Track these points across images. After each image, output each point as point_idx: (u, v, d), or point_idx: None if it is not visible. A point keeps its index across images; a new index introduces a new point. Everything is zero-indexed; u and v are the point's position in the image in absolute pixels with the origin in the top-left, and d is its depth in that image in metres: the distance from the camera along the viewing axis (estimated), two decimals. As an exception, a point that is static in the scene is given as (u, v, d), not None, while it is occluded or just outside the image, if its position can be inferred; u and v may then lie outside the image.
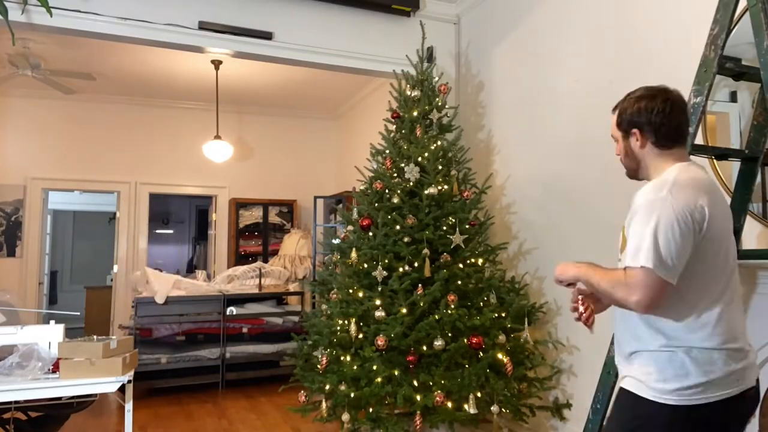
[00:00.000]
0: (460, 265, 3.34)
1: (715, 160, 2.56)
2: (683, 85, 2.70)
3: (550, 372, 3.45)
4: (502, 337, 3.22)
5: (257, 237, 7.36)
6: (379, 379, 3.04)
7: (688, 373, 1.48)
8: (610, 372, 2.23)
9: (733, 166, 2.51)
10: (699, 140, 2.34)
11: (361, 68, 4.44)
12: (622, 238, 1.63)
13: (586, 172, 3.39)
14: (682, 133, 1.66)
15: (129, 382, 2.68)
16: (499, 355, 3.16)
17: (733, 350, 1.51)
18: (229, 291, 5.58)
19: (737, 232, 2.31)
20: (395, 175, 3.55)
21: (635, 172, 1.73)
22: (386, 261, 3.26)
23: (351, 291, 3.33)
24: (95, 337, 2.82)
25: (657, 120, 1.61)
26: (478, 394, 3.08)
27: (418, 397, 3.00)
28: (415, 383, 3.06)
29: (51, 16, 3.40)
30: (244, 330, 5.47)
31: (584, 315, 1.68)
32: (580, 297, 1.70)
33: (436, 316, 3.13)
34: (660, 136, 1.62)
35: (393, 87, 3.83)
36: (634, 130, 1.65)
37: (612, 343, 2.24)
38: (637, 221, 1.51)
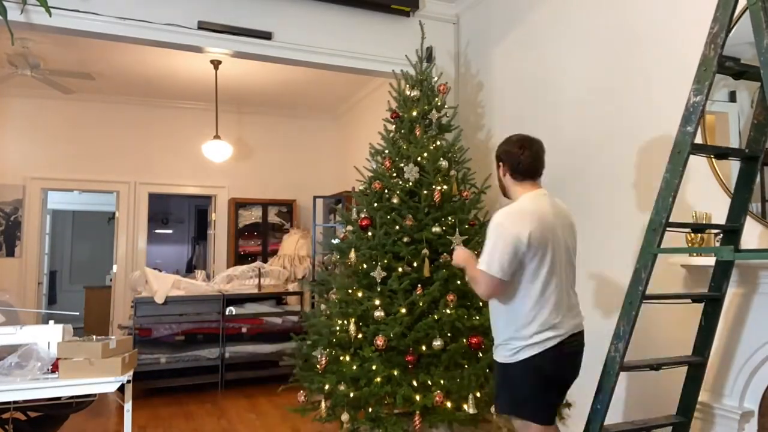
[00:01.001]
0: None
1: (713, 160, 2.56)
2: (682, 83, 2.71)
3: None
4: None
5: (256, 237, 7.35)
6: (378, 379, 3.04)
7: None
8: (610, 372, 2.23)
9: (732, 166, 2.51)
10: (698, 140, 2.33)
11: (360, 68, 4.44)
12: None
13: (585, 171, 3.39)
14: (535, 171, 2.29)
15: (128, 382, 2.68)
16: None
17: None
18: (228, 291, 5.58)
19: (737, 231, 2.30)
20: (395, 175, 3.55)
21: (504, 192, 2.41)
22: (385, 261, 3.25)
23: (350, 291, 3.32)
24: (94, 337, 2.82)
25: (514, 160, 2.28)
26: (478, 394, 3.08)
27: (418, 397, 3.00)
28: (415, 383, 3.06)
29: (50, 16, 3.39)
30: (244, 330, 5.47)
31: None
32: None
33: (436, 316, 3.13)
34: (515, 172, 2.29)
35: (392, 87, 3.83)
36: (500, 163, 2.35)
37: (612, 342, 2.24)
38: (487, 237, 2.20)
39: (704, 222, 2.48)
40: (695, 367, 2.37)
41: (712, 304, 2.36)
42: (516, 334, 2.17)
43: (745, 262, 2.34)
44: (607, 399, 2.22)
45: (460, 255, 2.40)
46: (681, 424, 2.38)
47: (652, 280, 2.24)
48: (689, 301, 2.36)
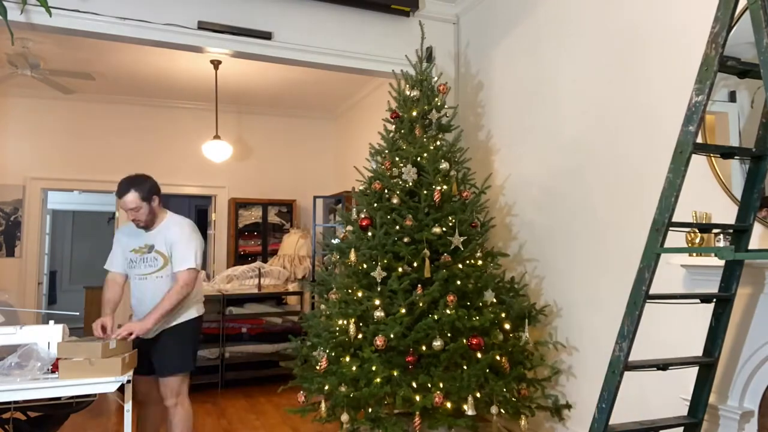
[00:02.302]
0: (460, 266, 3.33)
1: (714, 160, 2.56)
2: (681, 83, 2.71)
3: (549, 373, 3.45)
4: (501, 338, 3.22)
5: (256, 237, 7.35)
6: (378, 380, 3.04)
7: None
8: (615, 371, 2.22)
9: (733, 166, 2.51)
10: (699, 140, 2.33)
11: (360, 68, 4.44)
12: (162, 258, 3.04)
13: (585, 172, 3.39)
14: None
15: (128, 382, 2.67)
16: (497, 357, 3.15)
17: None
18: (228, 291, 5.58)
19: (745, 230, 2.28)
20: (395, 175, 3.55)
21: (151, 222, 3.05)
22: (385, 261, 3.25)
23: (350, 291, 3.32)
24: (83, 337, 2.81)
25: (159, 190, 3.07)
26: (477, 395, 3.07)
27: (417, 398, 2.99)
28: (414, 384, 3.05)
29: (50, 16, 3.39)
30: (244, 330, 5.47)
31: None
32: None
33: (435, 317, 3.13)
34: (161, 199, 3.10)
35: (392, 87, 3.83)
36: (155, 197, 3.03)
37: (617, 342, 2.24)
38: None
39: (704, 222, 2.48)
40: (705, 368, 2.36)
41: (722, 305, 2.34)
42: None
43: (751, 262, 2.33)
44: (612, 398, 2.22)
45: (144, 326, 2.91)
46: (691, 425, 2.37)
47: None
48: (698, 301, 2.35)
